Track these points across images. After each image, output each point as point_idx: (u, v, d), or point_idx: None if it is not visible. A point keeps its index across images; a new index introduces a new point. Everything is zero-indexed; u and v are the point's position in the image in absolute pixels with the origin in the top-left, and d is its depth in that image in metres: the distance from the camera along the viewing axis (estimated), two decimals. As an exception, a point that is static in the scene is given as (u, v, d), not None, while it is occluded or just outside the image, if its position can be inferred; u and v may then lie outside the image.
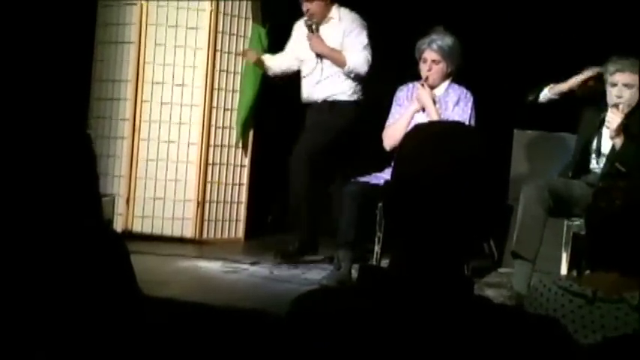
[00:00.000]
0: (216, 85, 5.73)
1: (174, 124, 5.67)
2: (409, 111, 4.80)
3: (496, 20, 5.72)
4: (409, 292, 1.23)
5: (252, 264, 5.09)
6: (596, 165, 4.51)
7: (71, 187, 0.87)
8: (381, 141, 4.89)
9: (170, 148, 5.68)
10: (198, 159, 5.71)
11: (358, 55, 5.16)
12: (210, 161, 5.75)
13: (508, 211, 4.98)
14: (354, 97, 5.27)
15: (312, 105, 5.29)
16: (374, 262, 4.71)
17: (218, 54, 5.73)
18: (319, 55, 5.21)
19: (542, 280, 2.03)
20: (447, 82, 4.82)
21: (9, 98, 0.86)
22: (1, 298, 0.85)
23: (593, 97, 4.50)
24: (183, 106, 5.64)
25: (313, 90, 5.27)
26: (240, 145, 5.88)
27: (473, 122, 4.74)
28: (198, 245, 5.61)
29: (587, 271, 2.11)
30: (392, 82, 5.08)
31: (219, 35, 5.72)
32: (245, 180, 5.92)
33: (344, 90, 5.23)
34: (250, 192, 5.96)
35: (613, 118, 4.34)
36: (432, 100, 4.75)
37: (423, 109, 4.77)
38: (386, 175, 4.69)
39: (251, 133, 5.93)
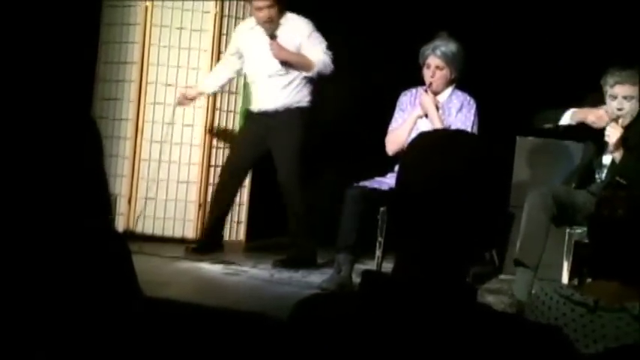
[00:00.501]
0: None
1: (177, 125, 5.67)
2: (412, 117, 4.79)
3: (499, 26, 5.72)
4: (412, 299, 1.23)
5: (253, 266, 5.09)
6: (598, 176, 4.50)
7: (77, 183, 0.87)
8: (383, 145, 4.88)
9: (173, 149, 5.68)
10: (200, 161, 5.71)
11: (323, 57, 5.03)
12: (213, 163, 5.75)
13: (509, 218, 4.97)
14: (310, 103, 5.17)
15: (267, 113, 5.13)
16: (375, 267, 4.71)
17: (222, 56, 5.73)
18: (283, 62, 5.05)
19: (543, 288, 2.03)
20: (450, 89, 4.82)
21: (14, 94, 0.86)
22: (1, 296, 0.85)
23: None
24: (187, 108, 5.64)
25: (271, 97, 5.11)
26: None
27: (475, 129, 4.73)
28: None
29: (589, 280, 2.11)
30: (395, 86, 5.07)
31: (224, 37, 5.72)
32: (247, 182, 5.92)
33: (304, 95, 5.13)
34: (252, 194, 5.95)
35: (612, 133, 4.32)
36: (435, 107, 4.75)
37: (426, 115, 4.77)
38: (388, 179, 4.69)
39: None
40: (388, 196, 1.28)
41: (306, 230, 5.14)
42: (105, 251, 0.93)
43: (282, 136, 5.08)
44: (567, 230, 4.44)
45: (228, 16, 5.77)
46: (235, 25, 5.76)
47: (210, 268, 5.01)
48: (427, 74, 4.77)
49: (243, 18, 5.81)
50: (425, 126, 4.68)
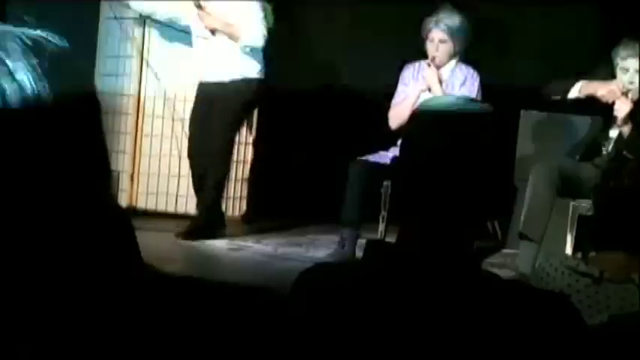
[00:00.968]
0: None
1: (179, 100, 5.65)
2: (415, 91, 4.77)
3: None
4: (416, 266, 1.23)
5: (257, 242, 5.10)
6: (604, 149, 4.47)
7: (78, 160, 0.86)
8: (386, 119, 4.87)
9: (175, 124, 5.66)
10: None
11: (254, 28, 4.93)
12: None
13: (513, 192, 4.96)
14: (257, 75, 5.06)
15: (214, 84, 5.04)
16: (378, 241, 4.71)
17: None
18: (213, 31, 4.98)
19: (548, 259, 2.02)
20: (453, 62, 4.79)
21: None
22: None
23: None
24: (187, 83, 5.61)
25: (215, 67, 5.02)
26: (245, 123, 5.86)
27: (479, 102, 4.72)
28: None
29: (592, 253, 2.10)
30: (397, 59, 5.04)
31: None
32: (249, 157, 5.91)
33: (245, 67, 5.02)
34: (254, 169, 5.95)
35: (621, 107, 4.27)
36: (438, 81, 4.72)
37: (429, 90, 4.74)
38: (391, 154, 4.68)
39: (256, 112, 5.91)
40: (391, 167, 1.27)
41: (217, 199, 5.09)
42: (108, 227, 0.92)
43: (225, 106, 4.99)
44: (571, 203, 4.43)
45: None
46: None
47: (214, 243, 5.02)
48: (430, 48, 4.73)
49: None
50: (428, 100, 4.66)
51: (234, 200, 5.84)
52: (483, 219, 1.31)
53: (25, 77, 0.81)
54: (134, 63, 5.68)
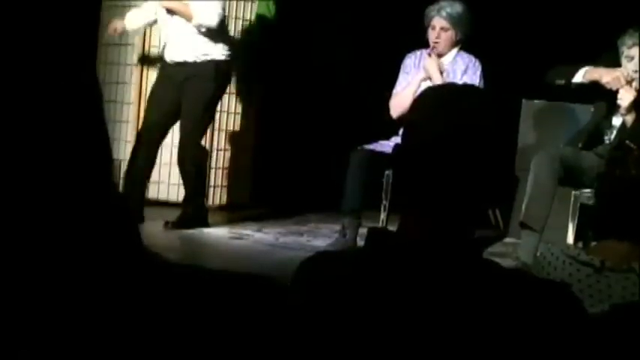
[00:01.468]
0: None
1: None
2: (416, 80, 4.76)
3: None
4: (417, 254, 1.22)
5: (258, 231, 5.10)
6: (607, 137, 4.45)
7: (79, 147, 0.86)
8: (387, 108, 4.86)
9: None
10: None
11: (206, 7, 4.79)
12: (217, 127, 5.73)
13: (515, 181, 4.96)
14: (225, 57, 4.94)
15: (180, 64, 4.91)
16: (379, 230, 4.71)
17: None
18: (170, 11, 4.87)
19: (550, 248, 2.02)
20: (455, 50, 4.78)
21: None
22: None
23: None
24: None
25: (180, 47, 4.91)
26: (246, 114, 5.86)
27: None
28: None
29: (594, 242, 2.10)
30: (398, 47, 5.03)
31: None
32: (250, 144, 5.91)
33: (216, 48, 4.90)
34: (256, 157, 5.95)
35: (625, 96, 4.24)
36: (438, 70, 4.71)
37: (430, 79, 4.73)
38: (393, 143, 4.67)
39: (257, 101, 5.91)
40: (393, 156, 1.26)
41: (199, 188, 5.04)
42: (110, 216, 0.92)
43: (194, 89, 4.88)
44: (573, 192, 4.42)
45: (228, 16, 5.71)
46: (236, 26, 5.71)
47: (215, 232, 5.02)
48: (432, 36, 4.72)
49: (244, 18, 5.75)
50: (429, 89, 4.65)
51: (236, 189, 5.84)
52: (485, 207, 1.31)
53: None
54: (136, 51, 5.68)
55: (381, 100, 4.93)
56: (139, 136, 5.10)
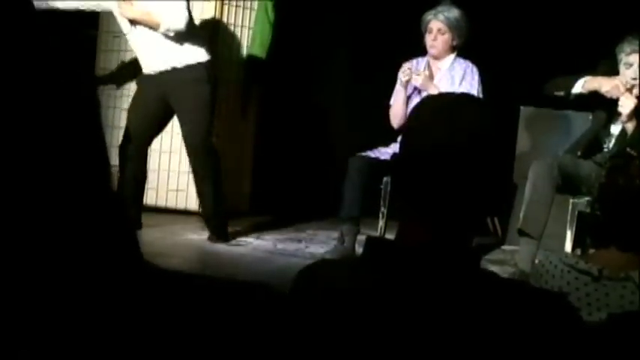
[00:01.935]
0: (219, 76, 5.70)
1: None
2: (400, 88, 4.80)
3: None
4: (415, 264, 1.22)
5: (256, 238, 5.10)
6: (605, 146, 4.44)
7: (75, 154, 0.86)
8: (386, 115, 4.87)
9: (174, 120, 5.66)
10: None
11: (172, 11, 4.65)
12: (215, 133, 5.72)
13: (513, 188, 4.96)
14: (205, 58, 4.83)
15: (164, 73, 4.79)
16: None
17: (222, 45, 5.69)
18: (133, 22, 4.75)
19: (548, 256, 2.02)
20: (452, 56, 4.80)
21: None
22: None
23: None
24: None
25: (157, 55, 4.78)
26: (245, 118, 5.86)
27: (481, 95, 4.71)
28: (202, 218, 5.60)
29: (592, 250, 2.10)
30: (398, 48, 5.04)
31: (224, 26, 5.68)
32: (249, 151, 5.91)
33: (195, 50, 4.79)
34: (255, 164, 5.94)
35: (626, 103, 4.22)
36: (431, 83, 4.73)
37: (420, 91, 4.75)
38: (391, 150, 4.68)
39: (255, 107, 5.91)
40: (392, 162, 1.27)
41: (220, 198, 4.90)
42: (108, 223, 0.92)
43: (189, 94, 4.78)
44: (571, 200, 4.42)
45: (229, 4, 5.72)
46: (236, 13, 5.70)
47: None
48: (429, 39, 4.74)
49: (244, 6, 5.75)
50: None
51: (234, 195, 5.84)
52: (483, 215, 1.31)
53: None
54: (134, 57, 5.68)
55: (380, 107, 4.93)
56: (125, 148, 4.98)
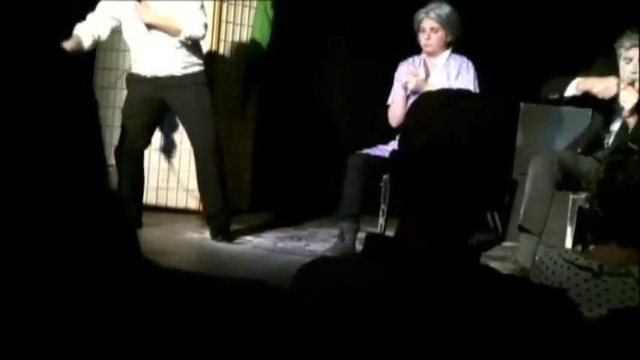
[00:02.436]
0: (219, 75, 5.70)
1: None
2: (400, 89, 4.81)
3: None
4: (415, 260, 1.23)
5: (257, 236, 5.10)
6: (606, 142, 4.43)
7: (73, 153, 0.86)
8: (384, 113, 4.87)
9: (176, 118, 5.66)
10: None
11: (194, 19, 4.67)
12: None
13: (513, 185, 4.96)
14: (202, 64, 4.85)
15: (161, 78, 4.79)
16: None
17: (222, 44, 5.69)
18: (149, 26, 4.70)
19: (548, 252, 2.02)
20: (447, 52, 4.82)
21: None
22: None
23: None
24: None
25: (159, 61, 4.77)
26: (245, 116, 5.86)
27: (478, 89, 4.72)
28: (203, 217, 5.60)
29: (592, 246, 2.09)
30: (397, 48, 5.04)
31: (223, 25, 5.68)
32: (249, 150, 5.91)
33: (197, 59, 4.81)
34: (255, 162, 5.95)
35: (628, 97, 4.20)
36: (425, 82, 4.75)
37: (415, 93, 4.76)
38: (391, 148, 4.68)
39: (255, 105, 5.91)
40: (391, 159, 1.27)
41: (225, 197, 4.90)
42: (107, 222, 0.92)
43: (191, 97, 4.78)
44: (571, 196, 4.42)
45: (228, 2, 5.71)
46: (235, 11, 5.70)
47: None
48: (422, 38, 4.77)
49: (242, 4, 5.75)
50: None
51: (235, 193, 5.84)
52: (483, 210, 1.31)
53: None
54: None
55: (379, 105, 4.94)
56: (121, 148, 4.93)
